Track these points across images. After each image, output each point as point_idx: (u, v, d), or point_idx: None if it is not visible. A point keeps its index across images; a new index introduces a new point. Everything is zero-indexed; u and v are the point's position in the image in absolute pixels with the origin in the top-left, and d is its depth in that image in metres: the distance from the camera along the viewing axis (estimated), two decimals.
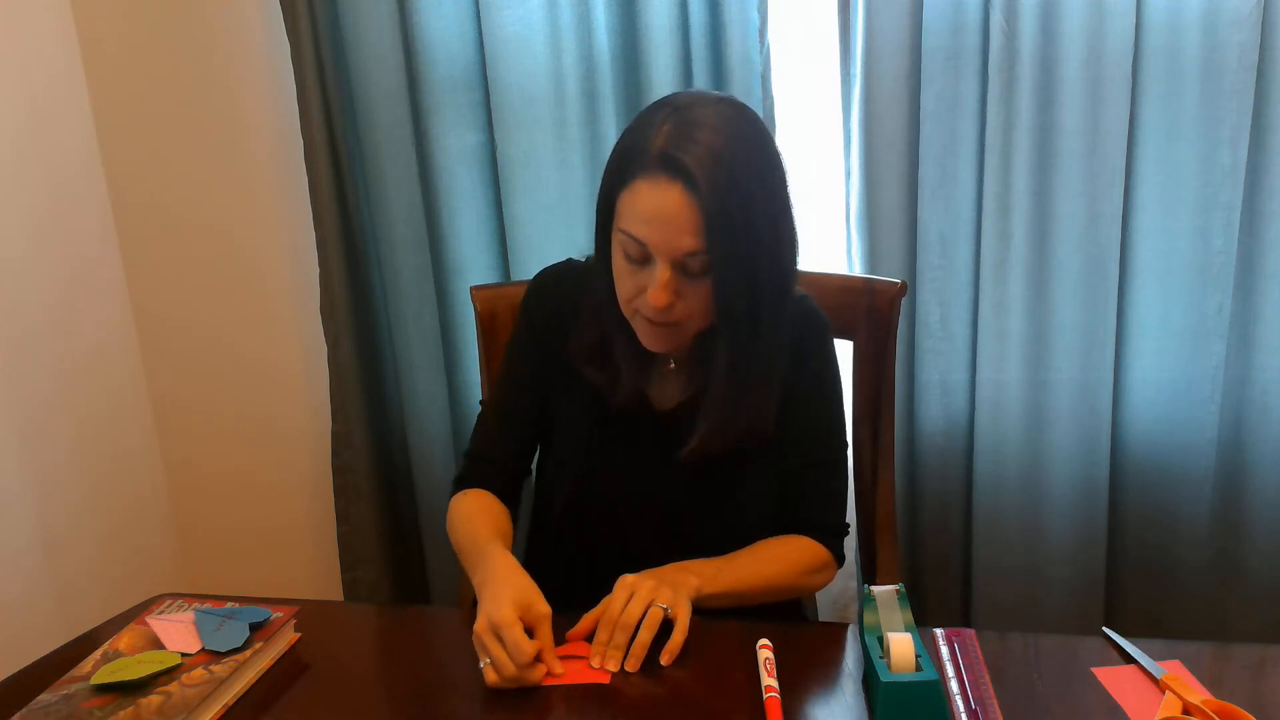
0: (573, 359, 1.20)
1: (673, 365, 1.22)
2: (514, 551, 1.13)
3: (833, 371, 1.25)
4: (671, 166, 1.03)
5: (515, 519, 1.25)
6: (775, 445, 1.20)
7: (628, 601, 1.02)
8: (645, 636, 1.00)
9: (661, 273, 1.06)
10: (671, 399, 1.22)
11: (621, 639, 1.01)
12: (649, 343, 1.14)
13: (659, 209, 1.04)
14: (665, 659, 1.01)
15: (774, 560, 1.18)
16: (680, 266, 1.06)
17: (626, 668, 1.00)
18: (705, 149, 1.03)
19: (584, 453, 1.22)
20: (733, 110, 1.08)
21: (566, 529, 1.25)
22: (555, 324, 1.23)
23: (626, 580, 1.05)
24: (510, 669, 0.97)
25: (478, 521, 1.18)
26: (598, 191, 1.13)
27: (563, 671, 1.00)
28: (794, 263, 1.13)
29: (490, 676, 0.98)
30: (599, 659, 1.01)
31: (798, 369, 1.20)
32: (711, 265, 1.05)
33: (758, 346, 1.12)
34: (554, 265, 1.29)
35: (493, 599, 1.01)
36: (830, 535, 1.23)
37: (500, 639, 0.97)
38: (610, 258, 1.12)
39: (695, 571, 1.09)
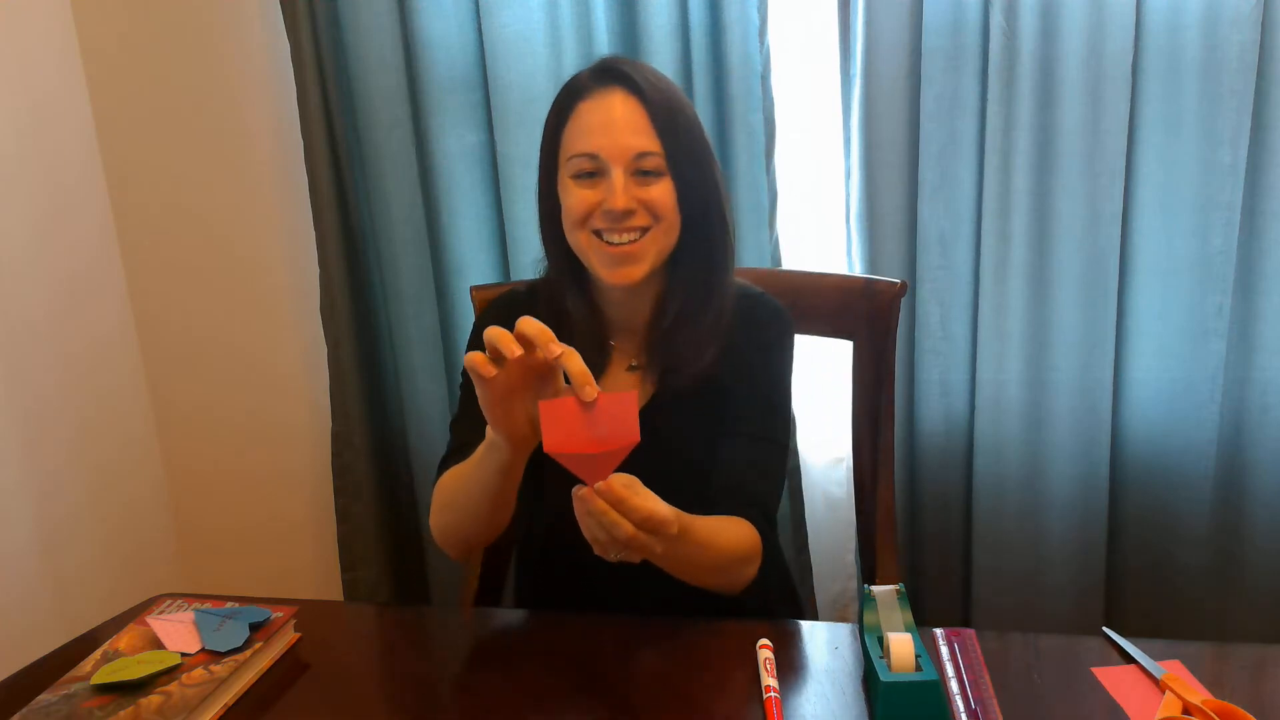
0: None
1: (633, 364, 1.22)
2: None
3: (786, 358, 1.23)
4: (610, 75, 1.09)
5: None
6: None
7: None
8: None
9: (617, 177, 1.08)
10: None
11: None
12: (609, 273, 1.12)
13: (605, 116, 1.08)
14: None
15: (723, 530, 1.09)
16: (634, 171, 1.09)
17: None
18: (641, 65, 1.12)
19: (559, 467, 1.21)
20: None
21: (552, 543, 1.25)
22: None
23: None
24: (512, 330, 0.89)
25: (465, 463, 1.09)
26: (539, 151, 1.16)
27: (561, 351, 0.88)
28: (729, 215, 1.17)
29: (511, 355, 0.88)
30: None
31: (751, 337, 1.19)
32: (666, 163, 1.09)
33: (712, 276, 1.15)
34: (502, 294, 1.30)
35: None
36: (759, 512, 1.14)
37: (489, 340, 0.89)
38: (559, 211, 1.14)
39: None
